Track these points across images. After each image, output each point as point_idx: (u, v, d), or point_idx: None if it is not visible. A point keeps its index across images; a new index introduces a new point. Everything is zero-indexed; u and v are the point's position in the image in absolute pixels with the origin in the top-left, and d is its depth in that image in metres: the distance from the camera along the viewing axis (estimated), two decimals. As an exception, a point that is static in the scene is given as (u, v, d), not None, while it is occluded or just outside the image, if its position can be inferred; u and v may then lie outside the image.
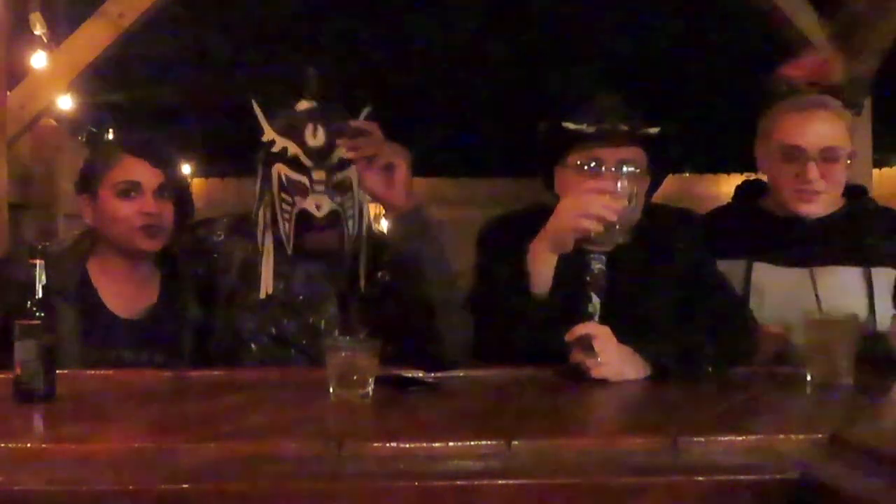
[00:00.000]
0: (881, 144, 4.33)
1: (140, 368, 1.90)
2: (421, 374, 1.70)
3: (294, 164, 1.90)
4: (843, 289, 1.99)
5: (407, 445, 1.17)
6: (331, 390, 1.50)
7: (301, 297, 1.98)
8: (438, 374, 1.71)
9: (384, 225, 2.95)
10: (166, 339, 1.98)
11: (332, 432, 1.29)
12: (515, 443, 1.17)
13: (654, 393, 1.67)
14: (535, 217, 2.02)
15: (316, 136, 1.90)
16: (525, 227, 2.00)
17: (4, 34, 3.37)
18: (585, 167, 1.89)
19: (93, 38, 3.59)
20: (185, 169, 7.15)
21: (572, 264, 1.91)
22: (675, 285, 1.90)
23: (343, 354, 1.52)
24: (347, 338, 1.80)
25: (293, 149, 1.90)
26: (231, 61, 6.59)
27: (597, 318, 1.88)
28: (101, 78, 4.47)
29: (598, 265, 1.93)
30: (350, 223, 1.94)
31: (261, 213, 1.99)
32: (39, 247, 1.50)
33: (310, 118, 1.91)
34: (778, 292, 2.01)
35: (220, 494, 1.05)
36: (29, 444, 1.20)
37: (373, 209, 2.09)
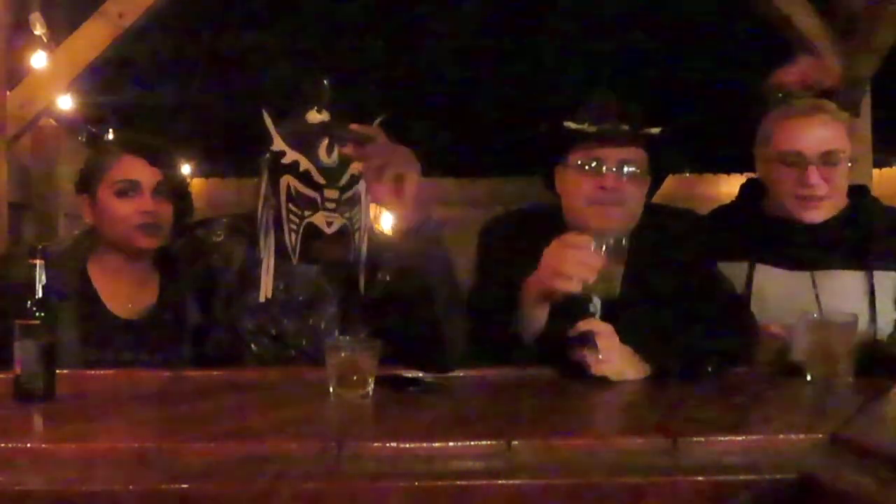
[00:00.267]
0: (881, 144, 4.32)
1: (140, 368, 1.90)
2: (421, 375, 1.70)
3: (305, 179, 1.89)
4: (844, 292, 1.99)
5: (407, 445, 1.17)
6: (331, 390, 1.50)
7: (301, 298, 1.98)
8: (438, 375, 1.71)
9: (384, 225, 2.95)
10: (166, 339, 1.98)
11: (332, 432, 1.29)
12: (515, 443, 1.17)
13: (654, 393, 1.67)
14: (535, 217, 2.02)
15: (330, 156, 1.88)
16: (525, 227, 2.00)
17: (4, 34, 3.37)
18: (586, 167, 1.89)
19: (93, 38, 3.58)
20: (185, 169, 7.15)
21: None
22: (675, 285, 1.90)
23: (343, 354, 1.52)
24: (347, 338, 1.80)
25: (305, 164, 1.89)
26: (231, 61, 6.58)
27: (598, 318, 1.88)
28: (101, 78, 4.47)
29: (598, 265, 1.92)
30: (357, 236, 1.94)
31: (263, 216, 1.98)
32: (39, 247, 1.50)
33: (324, 134, 1.90)
34: (779, 295, 2.01)
35: (220, 494, 1.05)
36: (29, 444, 1.20)
37: (373, 209, 2.09)
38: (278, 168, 1.92)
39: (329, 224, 1.89)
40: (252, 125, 1.96)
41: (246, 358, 1.96)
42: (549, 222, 1.98)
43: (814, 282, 2.01)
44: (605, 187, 1.87)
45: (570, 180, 1.93)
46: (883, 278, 2.01)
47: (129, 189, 1.96)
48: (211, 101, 6.74)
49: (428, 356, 1.74)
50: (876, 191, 2.22)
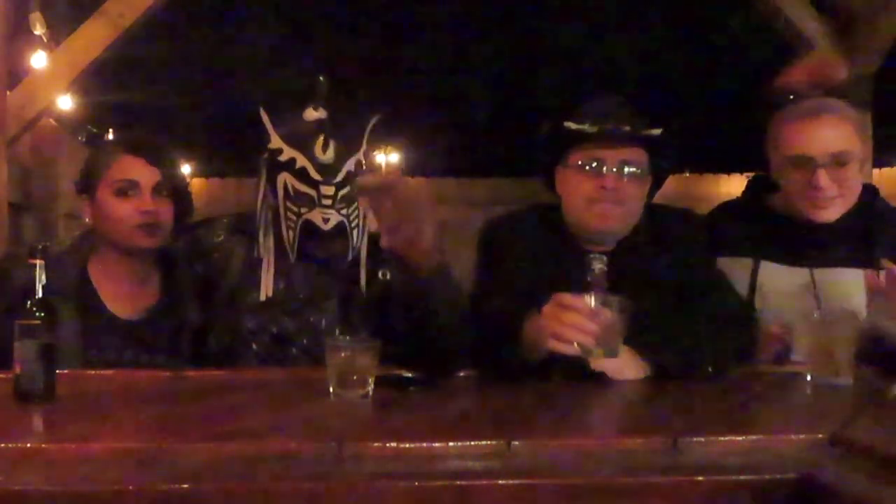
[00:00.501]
0: (881, 144, 4.32)
1: (140, 368, 1.90)
2: (419, 374, 1.70)
3: (302, 176, 1.89)
4: (846, 290, 1.98)
5: (407, 445, 1.16)
6: (331, 390, 1.50)
7: (301, 296, 1.98)
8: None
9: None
10: (166, 339, 1.99)
11: (332, 432, 1.29)
12: (515, 443, 1.17)
13: (654, 393, 1.67)
14: (535, 217, 2.02)
15: (326, 152, 1.88)
16: (525, 227, 2.00)
17: (4, 34, 3.37)
18: (587, 167, 1.89)
19: (93, 38, 3.59)
20: (185, 169, 7.15)
21: (573, 264, 1.91)
22: (675, 285, 1.90)
23: (343, 354, 1.52)
24: (347, 338, 1.80)
25: (301, 161, 1.89)
26: (231, 61, 6.59)
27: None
28: (101, 78, 4.47)
29: (598, 265, 1.92)
30: (355, 233, 1.94)
31: (262, 215, 1.98)
32: (39, 247, 1.50)
33: (320, 130, 1.90)
34: (781, 291, 2.01)
35: (220, 494, 1.05)
36: (29, 444, 1.19)
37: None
38: (276, 166, 1.92)
39: (326, 221, 1.89)
40: (252, 125, 1.96)
41: (247, 357, 1.96)
42: (549, 222, 1.98)
43: (814, 279, 2.00)
44: (606, 187, 1.87)
45: (571, 181, 1.93)
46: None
47: (128, 188, 1.96)
48: (211, 101, 6.74)
49: (430, 363, 1.73)
50: (875, 191, 2.21)
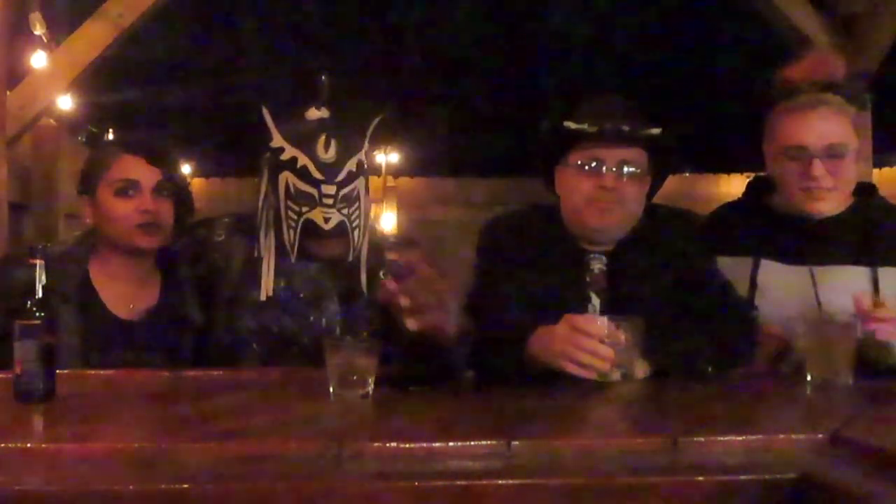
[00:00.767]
0: (881, 144, 4.32)
1: (140, 368, 1.90)
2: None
3: (303, 174, 1.89)
4: (846, 288, 1.98)
5: (407, 445, 1.17)
6: (331, 390, 1.50)
7: (302, 296, 1.98)
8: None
9: (384, 224, 2.95)
10: (167, 340, 1.98)
11: (332, 432, 1.29)
12: (515, 443, 1.17)
13: (654, 393, 1.67)
14: (535, 217, 2.02)
15: (328, 151, 1.88)
16: (524, 227, 2.00)
17: (4, 34, 3.37)
18: (586, 167, 1.89)
19: (93, 38, 3.59)
20: (185, 169, 7.16)
21: (572, 264, 1.91)
22: (675, 285, 1.90)
23: (343, 354, 1.52)
24: (347, 338, 1.80)
25: (303, 160, 1.89)
26: (231, 60, 6.59)
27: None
28: (101, 78, 4.47)
29: (598, 265, 1.92)
30: (356, 233, 1.94)
31: (263, 215, 1.98)
32: (39, 247, 1.50)
33: (322, 130, 1.90)
34: (781, 290, 2.01)
35: (220, 494, 1.05)
36: (29, 444, 1.20)
37: (373, 209, 2.09)
38: (277, 165, 1.92)
39: (327, 220, 1.89)
40: (252, 125, 1.96)
41: (247, 357, 1.96)
42: (549, 222, 1.98)
43: (813, 278, 2.00)
44: (605, 187, 1.87)
45: (570, 180, 1.93)
46: (888, 275, 2.01)
47: (128, 188, 1.96)
48: (211, 101, 6.74)
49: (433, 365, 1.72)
50: (875, 191, 2.21)
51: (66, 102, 4.67)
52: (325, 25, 6.27)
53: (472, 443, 1.18)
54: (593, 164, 1.88)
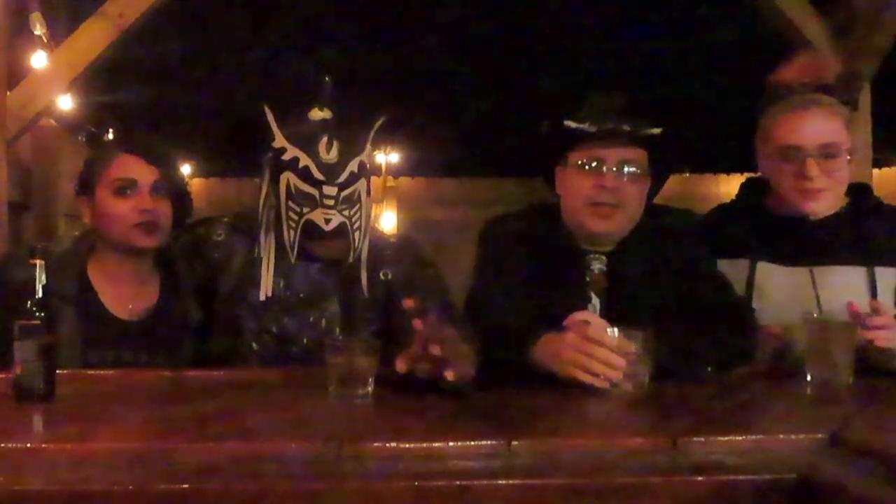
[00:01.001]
0: (881, 144, 4.32)
1: (140, 368, 1.90)
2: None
3: (304, 175, 1.89)
4: (844, 288, 1.99)
5: (407, 445, 1.17)
6: (331, 390, 1.50)
7: (302, 295, 1.98)
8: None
9: (384, 224, 2.95)
10: (166, 340, 1.98)
11: (332, 432, 1.29)
12: (515, 443, 1.17)
13: (654, 393, 1.67)
14: (535, 217, 2.02)
15: (329, 152, 1.88)
16: (524, 226, 2.00)
17: (4, 34, 3.37)
18: (586, 167, 1.89)
19: (93, 38, 3.58)
20: (185, 169, 7.16)
21: (572, 264, 1.91)
22: (675, 286, 1.90)
23: (343, 354, 1.52)
24: (347, 338, 1.80)
25: (305, 160, 1.89)
26: (231, 60, 6.59)
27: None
28: (101, 78, 4.47)
29: (598, 265, 1.93)
30: (357, 235, 1.94)
31: (264, 215, 1.98)
32: (39, 247, 1.50)
33: (324, 130, 1.90)
34: (780, 292, 2.01)
35: (220, 494, 1.05)
36: (29, 444, 1.20)
37: (373, 209, 2.09)
38: (279, 165, 1.92)
39: (327, 221, 1.89)
40: (253, 125, 1.96)
41: (247, 357, 1.96)
42: (549, 222, 1.98)
43: (813, 278, 2.01)
44: (605, 187, 1.87)
45: (571, 180, 1.93)
46: (885, 274, 2.01)
47: (126, 187, 1.96)
48: (211, 101, 6.74)
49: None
50: (876, 191, 2.22)
51: (66, 102, 4.68)
52: (326, 26, 6.27)
53: (472, 443, 1.18)
54: (594, 164, 1.88)
